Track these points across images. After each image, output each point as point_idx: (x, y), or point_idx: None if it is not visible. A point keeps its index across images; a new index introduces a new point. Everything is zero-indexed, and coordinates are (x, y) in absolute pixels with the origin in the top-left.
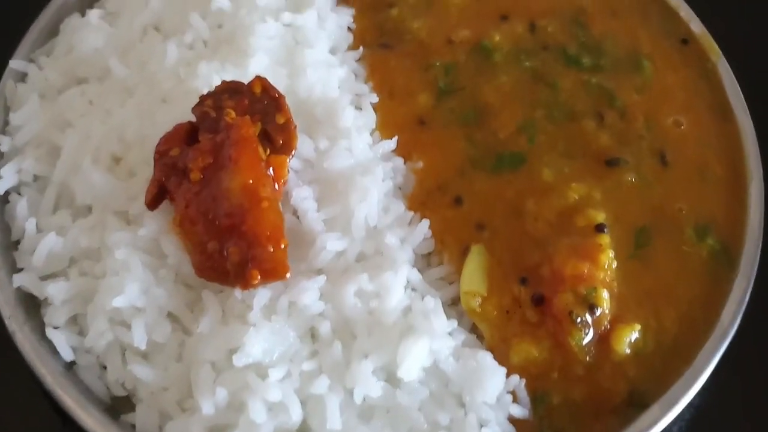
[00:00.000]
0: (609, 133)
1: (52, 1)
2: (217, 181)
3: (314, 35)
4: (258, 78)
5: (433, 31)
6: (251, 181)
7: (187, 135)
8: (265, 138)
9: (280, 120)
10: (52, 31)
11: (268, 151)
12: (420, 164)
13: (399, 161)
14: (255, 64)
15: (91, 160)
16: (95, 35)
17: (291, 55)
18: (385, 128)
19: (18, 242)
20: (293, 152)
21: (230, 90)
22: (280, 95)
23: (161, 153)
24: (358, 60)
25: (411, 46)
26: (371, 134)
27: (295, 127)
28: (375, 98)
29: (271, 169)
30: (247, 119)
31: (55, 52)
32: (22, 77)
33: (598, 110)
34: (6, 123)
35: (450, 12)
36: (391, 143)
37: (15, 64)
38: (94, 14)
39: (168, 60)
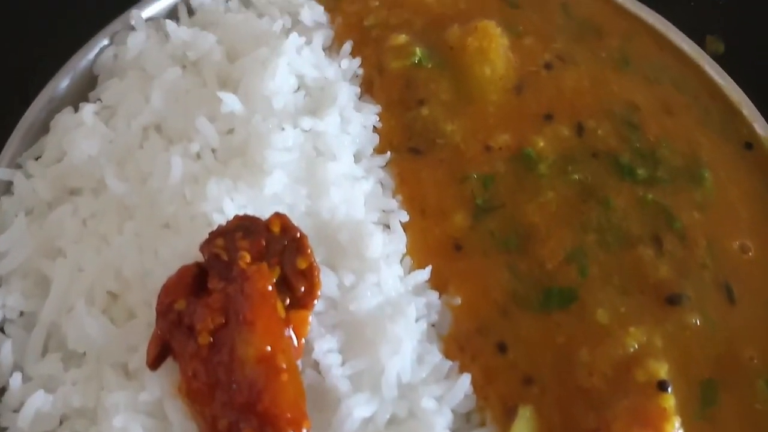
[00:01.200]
0: (668, 262)
1: (41, 93)
2: (229, 347)
3: (337, 142)
4: (277, 215)
5: (469, 134)
6: (269, 348)
7: (194, 280)
8: (284, 284)
9: (302, 264)
10: (43, 127)
11: (288, 301)
12: (458, 300)
13: (434, 296)
14: (272, 184)
15: (85, 301)
16: (89, 140)
17: (312, 169)
18: (417, 253)
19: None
20: (316, 302)
21: (244, 228)
22: (302, 236)
23: (164, 306)
24: (385, 166)
25: (444, 152)
26: (401, 260)
27: (319, 271)
28: (405, 216)
29: (290, 329)
30: (265, 268)
31: (45, 157)
32: (8, 187)
33: (655, 233)
34: None
35: (487, 111)
36: (425, 274)
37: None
38: (88, 111)
39: (172, 176)
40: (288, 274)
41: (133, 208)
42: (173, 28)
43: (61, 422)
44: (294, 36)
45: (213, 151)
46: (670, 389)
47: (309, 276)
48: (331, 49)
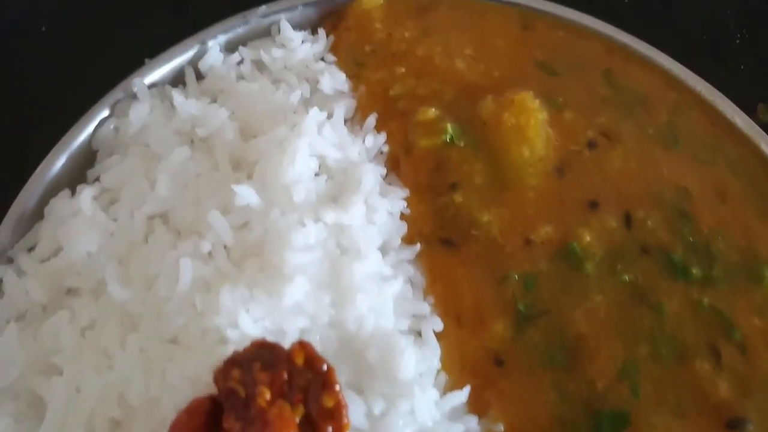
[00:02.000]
0: (728, 378)
1: (34, 174)
2: None
3: (363, 236)
4: (301, 345)
5: (507, 226)
6: None
7: (207, 418)
8: (308, 424)
9: (328, 403)
10: (36, 213)
11: None
12: (500, 427)
13: (473, 422)
14: (292, 292)
15: (85, 430)
16: (88, 233)
17: (336, 272)
18: (453, 369)
19: None
20: None
21: (264, 359)
22: (329, 369)
23: None
24: (415, 259)
25: (480, 246)
26: (436, 376)
27: (347, 409)
28: (439, 325)
29: None
30: (287, 411)
31: (39, 249)
32: None
33: (713, 344)
34: None
35: (527, 197)
36: (462, 396)
37: None
38: (86, 197)
39: (181, 282)
40: (312, 413)
41: (137, 318)
42: (180, 101)
43: None
44: (315, 112)
45: (225, 247)
46: None
47: (336, 415)
48: (353, 120)
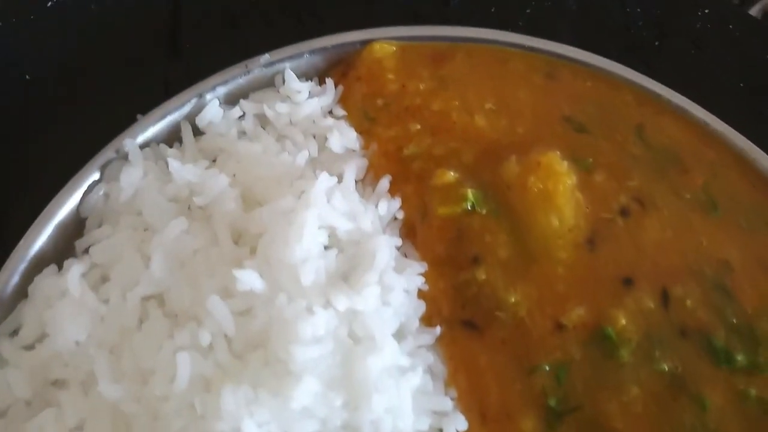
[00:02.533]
0: None
1: (17, 248)
2: None
3: (377, 323)
4: None
5: (536, 307)
6: None
7: None
8: None
9: None
10: (20, 292)
11: None
12: None
13: None
14: (301, 395)
15: None
16: (76, 320)
17: (349, 368)
18: None
19: None
20: None
21: None
22: None
23: None
24: (435, 344)
25: (506, 331)
26: None
27: None
28: (463, 424)
29: None
30: None
31: (22, 335)
32: None
33: None
34: None
35: (556, 274)
36: None
37: None
38: (74, 275)
39: (179, 381)
40: None
41: (131, 418)
42: (176, 166)
43: None
44: (324, 177)
45: (226, 337)
46: None
47: None
48: (365, 181)
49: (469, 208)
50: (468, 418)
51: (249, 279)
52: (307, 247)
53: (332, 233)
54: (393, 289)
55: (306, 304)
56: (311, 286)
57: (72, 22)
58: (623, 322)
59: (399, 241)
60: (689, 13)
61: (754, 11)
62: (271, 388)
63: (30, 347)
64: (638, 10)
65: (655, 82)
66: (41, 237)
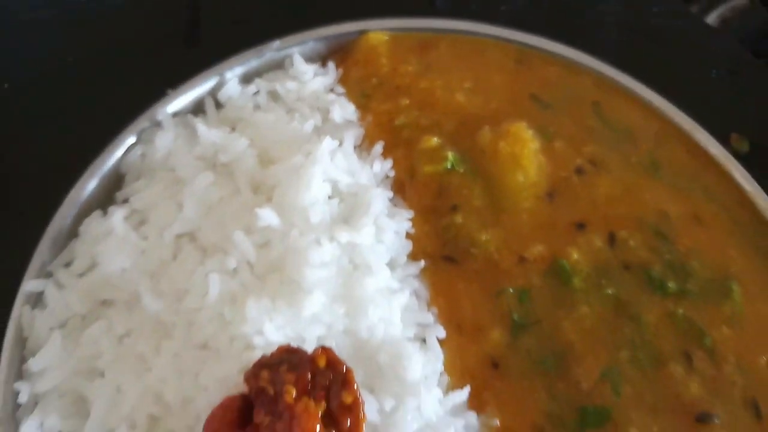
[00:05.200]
0: (699, 380)
1: (68, 196)
2: None
3: (373, 254)
4: (323, 350)
5: (503, 245)
6: None
7: (239, 414)
8: (329, 417)
9: (347, 399)
10: (71, 232)
11: None
12: (496, 422)
13: (472, 417)
14: (311, 305)
15: (127, 425)
16: (121, 253)
17: (349, 286)
18: (454, 371)
19: None
20: None
21: (290, 361)
22: (348, 370)
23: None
24: (419, 275)
25: (478, 263)
26: (439, 377)
27: (363, 405)
28: (442, 333)
29: None
30: (312, 407)
31: (75, 265)
32: (39, 298)
33: (685, 350)
34: (23, 359)
35: (521, 219)
36: (463, 395)
37: (30, 285)
38: (117, 218)
39: (210, 296)
40: (333, 408)
41: (170, 326)
42: (203, 130)
43: None
44: (327, 141)
45: (249, 264)
46: None
47: (354, 410)
48: (362, 147)
49: (449, 167)
50: (446, 329)
51: (268, 216)
52: (314, 194)
53: (335, 186)
54: (385, 230)
55: (315, 237)
56: (318, 223)
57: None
58: (575, 256)
59: (390, 194)
60: (648, 13)
61: (711, 19)
62: (286, 300)
63: (82, 275)
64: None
65: (610, 67)
66: (88, 188)
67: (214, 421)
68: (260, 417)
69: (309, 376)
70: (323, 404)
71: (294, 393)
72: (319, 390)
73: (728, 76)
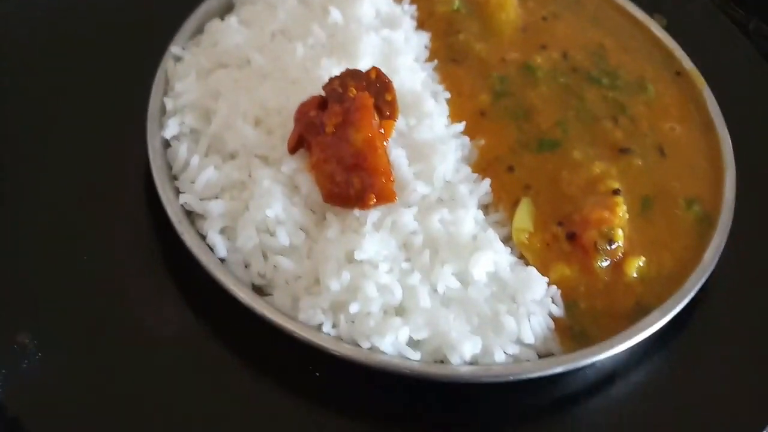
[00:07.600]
0: (622, 131)
1: (196, 9)
2: (345, 134)
3: (403, 47)
4: (374, 68)
5: (491, 52)
6: (370, 135)
7: (320, 104)
8: (377, 110)
9: (389, 98)
10: (198, 30)
11: (379, 119)
12: (482, 142)
13: (466, 139)
14: (362, 65)
15: (241, 120)
16: (235, 34)
17: (388, 59)
18: (454, 117)
19: (175, 177)
20: (396, 120)
21: (352, 74)
22: (389, 81)
23: (302, 113)
24: (434, 69)
25: (474, 63)
26: (446, 119)
27: (397, 101)
28: (447, 95)
29: (382, 129)
30: (366, 94)
31: (203, 44)
32: (179, 60)
33: (613, 115)
34: (167, 91)
35: (504, 38)
36: (460, 126)
37: (174, 49)
38: (232, 20)
39: (297, 56)
40: (379, 104)
41: (269, 74)
42: None
43: (221, 191)
44: None
45: (323, 45)
46: (620, 194)
47: (393, 104)
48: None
49: (455, 8)
50: (450, 94)
51: (336, 15)
52: (365, 10)
53: (378, 13)
54: (411, 39)
55: (365, 30)
56: (368, 24)
57: None
58: (539, 60)
59: (415, 23)
60: None
61: None
62: (346, 62)
63: (207, 47)
64: None
65: None
66: (211, 4)
67: (303, 104)
68: (333, 105)
69: (364, 84)
70: (373, 100)
71: (355, 91)
72: (371, 93)
73: None
